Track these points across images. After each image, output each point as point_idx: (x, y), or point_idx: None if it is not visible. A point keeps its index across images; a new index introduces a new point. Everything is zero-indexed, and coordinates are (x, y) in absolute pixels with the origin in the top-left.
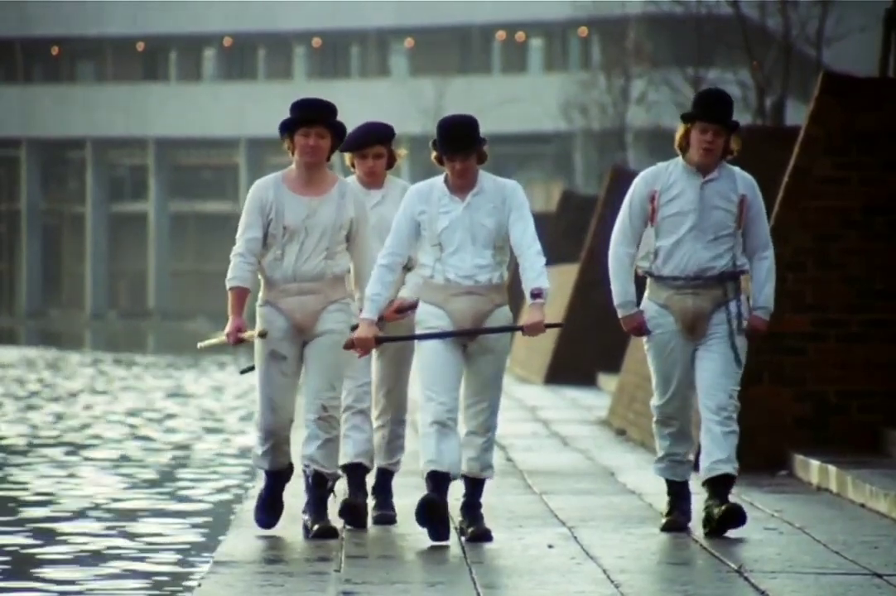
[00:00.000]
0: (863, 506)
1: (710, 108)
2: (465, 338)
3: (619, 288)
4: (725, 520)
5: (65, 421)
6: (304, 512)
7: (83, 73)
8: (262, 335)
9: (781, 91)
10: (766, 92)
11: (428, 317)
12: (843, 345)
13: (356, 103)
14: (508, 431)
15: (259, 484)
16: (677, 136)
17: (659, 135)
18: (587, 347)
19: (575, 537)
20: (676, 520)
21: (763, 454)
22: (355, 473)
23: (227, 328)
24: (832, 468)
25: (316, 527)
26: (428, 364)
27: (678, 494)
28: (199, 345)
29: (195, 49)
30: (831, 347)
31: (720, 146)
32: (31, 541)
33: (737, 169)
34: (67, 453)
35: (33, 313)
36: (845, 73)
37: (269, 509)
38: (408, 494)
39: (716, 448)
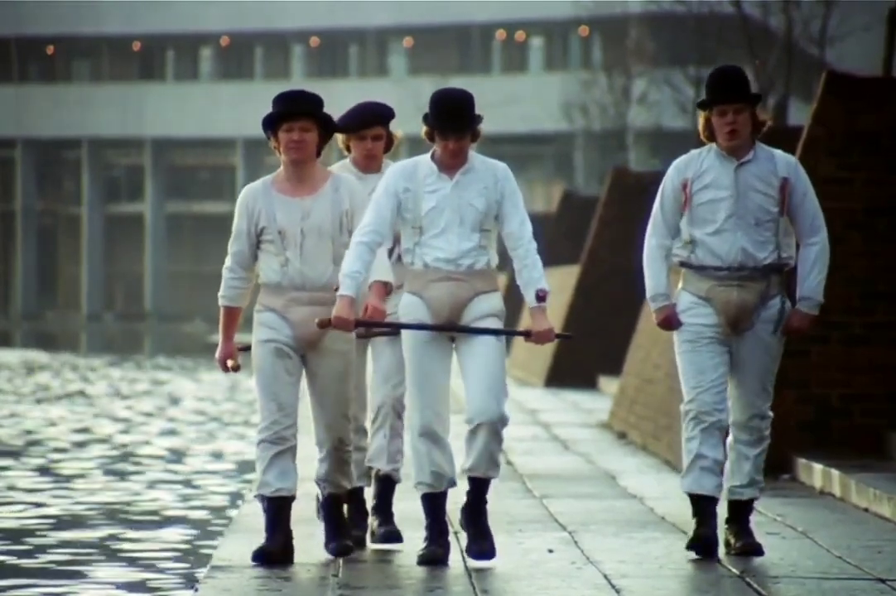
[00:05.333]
0: (866, 510)
1: (722, 89)
2: (449, 332)
3: (652, 280)
4: (741, 555)
5: (59, 424)
6: (324, 531)
7: (79, 73)
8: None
9: (784, 91)
10: (768, 92)
11: (407, 310)
12: (845, 347)
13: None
14: (508, 434)
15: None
16: (699, 126)
17: (660, 135)
18: (588, 349)
19: (575, 542)
20: (705, 535)
21: (766, 458)
22: (357, 497)
23: (217, 354)
24: (835, 472)
25: (333, 546)
26: (413, 364)
27: (705, 511)
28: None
29: (192, 48)
30: (834, 350)
31: (745, 124)
32: (21, 548)
33: (777, 151)
34: (59, 457)
35: (29, 315)
36: (848, 72)
37: (276, 539)
38: (405, 498)
39: (738, 471)
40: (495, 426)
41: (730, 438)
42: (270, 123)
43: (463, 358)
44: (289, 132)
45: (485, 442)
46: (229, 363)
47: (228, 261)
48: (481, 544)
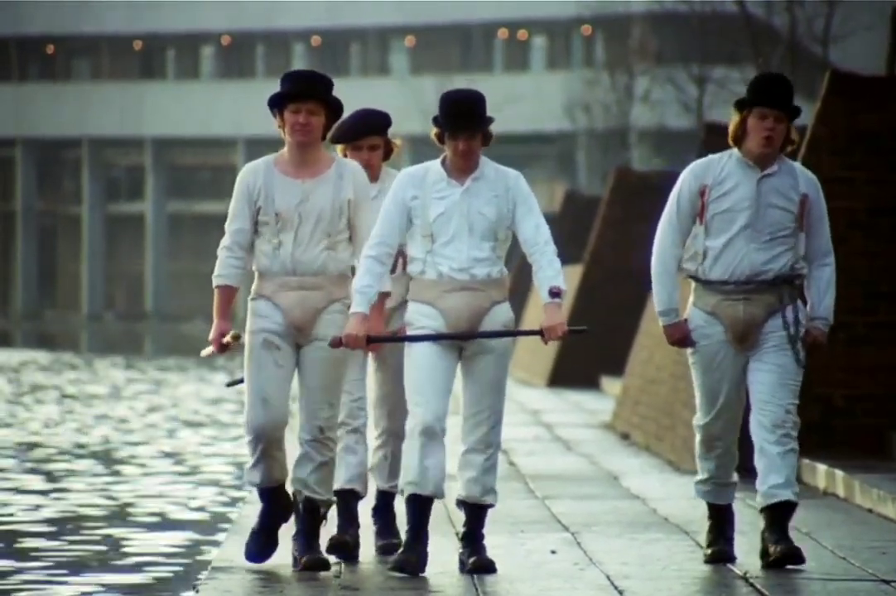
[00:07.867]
0: (870, 511)
1: (770, 92)
2: (462, 339)
3: (663, 294)
4: (781, 563)
5: (58, 424)
6: (294, 540)
7: (79, 72)
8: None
9: None
10: None
11: (419, 317)
12: (848, 347)
13: (356, 102)
14: (511, 434)
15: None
16: (731, 126)
17: (663, 134)
18: (590, 349)
19: (578, 543)
20: (722, 549)
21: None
22: (346, 500)
23: (212, 334)
24: (839, 473)
25: (305, 558)
26: (417, 367)
27: (722, 518)
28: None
29: (193, 47)
30: (837, 350)
31: (781, 134)
32: (20, 550)
33: (798, 165)
34: (59, 458)
35: (29, 315)
36: (852, 72)
37: (262, 540)
38: (400, 501)
39: (772, 471)
40: (488, 454)
41: (757, 442)
42: (277, 102)
43: (466, 374)
44: (296, 114)
45: (476, 471)
46: (225, 339)
47: (227, 240)
48: (479, 557)
